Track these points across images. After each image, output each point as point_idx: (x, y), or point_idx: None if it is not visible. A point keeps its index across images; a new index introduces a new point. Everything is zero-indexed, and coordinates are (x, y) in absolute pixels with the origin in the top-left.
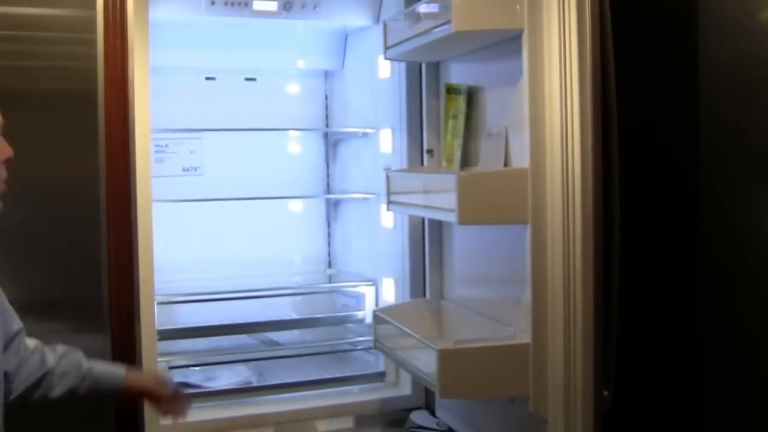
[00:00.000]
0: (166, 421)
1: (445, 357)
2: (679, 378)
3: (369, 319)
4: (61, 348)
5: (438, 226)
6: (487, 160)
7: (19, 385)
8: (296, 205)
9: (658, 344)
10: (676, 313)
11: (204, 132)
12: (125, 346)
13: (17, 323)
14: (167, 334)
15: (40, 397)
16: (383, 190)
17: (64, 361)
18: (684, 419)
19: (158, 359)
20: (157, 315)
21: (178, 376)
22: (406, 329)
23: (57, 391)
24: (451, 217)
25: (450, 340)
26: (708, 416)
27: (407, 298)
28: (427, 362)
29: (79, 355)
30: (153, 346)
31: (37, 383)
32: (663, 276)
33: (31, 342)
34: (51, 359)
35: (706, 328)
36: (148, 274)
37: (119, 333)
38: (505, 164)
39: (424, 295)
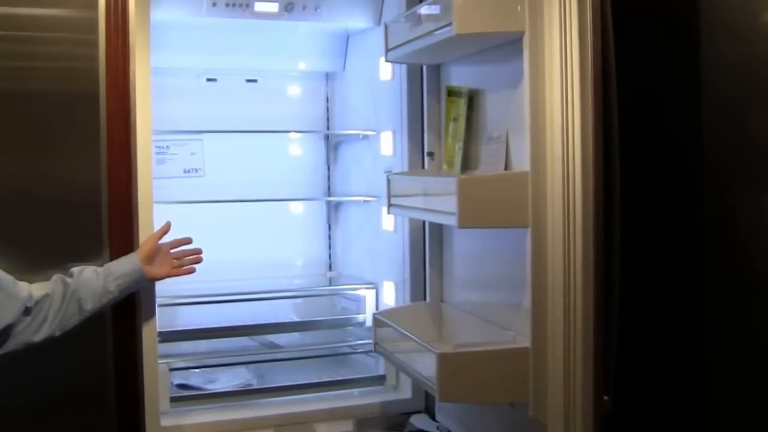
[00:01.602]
0: (166, 422)
1: (444, 361)
2: (682, 384)
3: (369, 323)
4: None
5: (438, 230)
6: (488, 163)
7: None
8: (297, 208)
9: (660, 349)
10: (679, 317)
11: (205, 133)
12: (126, 347)
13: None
14: (168, 336)
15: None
16: (384, 192)
17: (83, 275)
18: (687, 426)
19: (159, 361)
20: (158, 317)
21: (178, 378)
22: (407, 332)
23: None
24: (451, 221)
25: (450, 344)
26: (712, 424)
27: (408, 302)
28: (427, 366)
29: (88, 270)
30: (154, 348)
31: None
32: (665, 280)
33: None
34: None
35: (709, 333)
36: None
37: (120, 335)
38: (506, 167)
39: (425, 298)
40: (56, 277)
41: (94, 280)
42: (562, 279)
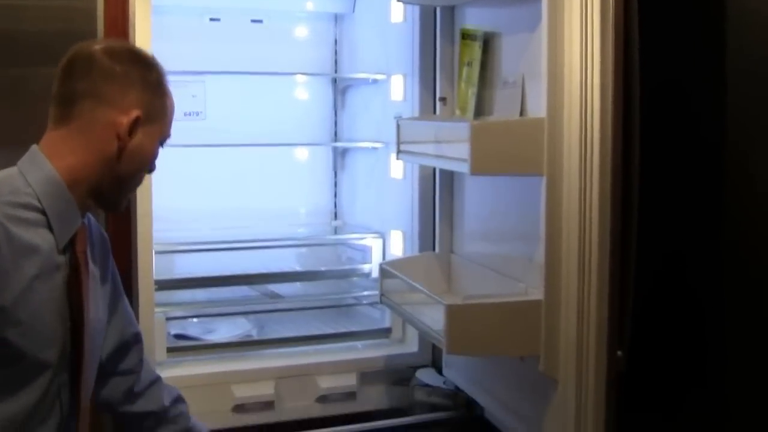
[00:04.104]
0: (163, 372)
1: (453, 313)
2: (698, 340)
3: (375, 274)
4: (174, 390)
5: (449, 178)
6: (503, 109)
7: (133, 407)
8: (302, 154)
9: (675, 304)
10: (696, 272)
11: (207, 75)
12: None
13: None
14: (165, 284)
15: (136, 428)
16: (393, 139)
17: (177, 406)
18: (702, 382)
19: (156, 309)
20: (155, 264)
21: (176, 328)
22: (414, 283)
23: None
24: (463, 167)
25: (459, 296)
26: (725, 382)
27: (416, 252)
28: (434, 318)
29: (186, 407)
30: (150, 296)
31: (146, 416)
32: (683, 234)
33: (150, 365)
34: (167, 398)
35: (727, 288)
36: (146, 222)
37: None
38: (521, 114)
39: (434, 249)
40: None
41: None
42: (577, 230)
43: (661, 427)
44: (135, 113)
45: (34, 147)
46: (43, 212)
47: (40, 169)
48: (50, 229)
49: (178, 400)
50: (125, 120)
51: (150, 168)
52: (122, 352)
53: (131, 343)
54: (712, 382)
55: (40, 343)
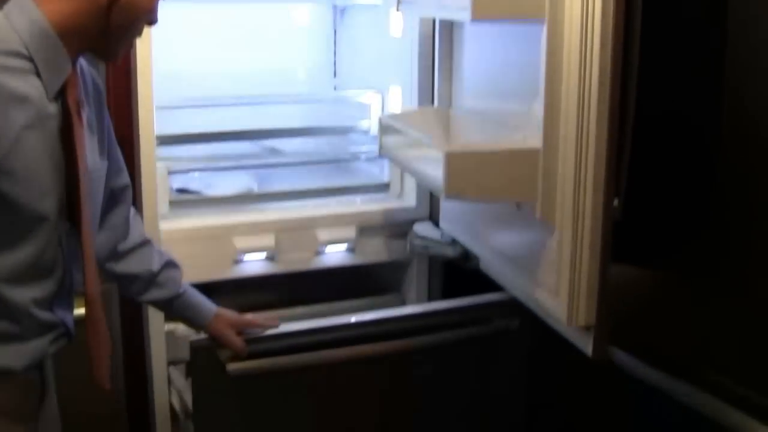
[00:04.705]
0: (165, 225)
1: (452, 159)
2: (695, 192)
3: (374, 130)
4: (165, 255)
5: (449, 32)
6: None
7: (117, 266)
8: (301, 11)
9: (675, 156)
10: (697, 121)
11: None
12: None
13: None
14: (167, 139)
15: (124, 289)
16: None
17: (167, 271)
18: (695, 234)
19: (158, 163)
20: (158, 121)
21: (178, 182)
22: (414, 132)
23: (145, 297)
24: (463, 15)
25: (458, 143)
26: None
27: (415, 108)
28: (433, 166)
29: (179, 273)
30: (152, 150)
31: (133, 278)
32: (685, 84)
33: (140, 226)
34: (156, 262)
35: (728, 139)
36: (146, 76)
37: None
38: None
39: (432, 104)
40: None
41: (168, 289)
42: (578, 77)
43: (653, 278)
44: None
45: None
46: (31, 59)
47: (26, 14)
48: (39, 76)
49: (170, 265)
50: None
51: (150, 20)
52: (110, 203)
53: (118, 194)
54: (710, 233)
55: (36, 193)
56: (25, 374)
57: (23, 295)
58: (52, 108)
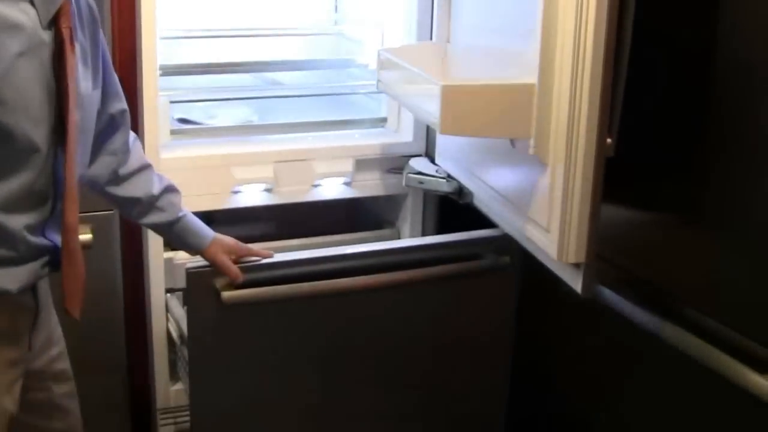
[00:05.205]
0: (165, 154)
1: (448, 93)
2: (687, 137)
3: (373, 65)
4: (165, 179)
5: None
6: None
7: (119, 189)
8: None
9: (668, 95)
10: (692, 62)
11: None
12: (127, 81)
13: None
14: (170, 70)
15: (126, 213)
16: None
17: (167, 196)
18: (686, 176)
19: (159, 93)
20: (160, 51)
21: (179, 112)
22: (410, 66)
23: (146, 220)
24: None
25: (454, 78)
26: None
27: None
28: (430, 100)
29: (178, 197)
30: (154, 80)
31: (134, 202)
32: (680, 23)
33: (140, 150)
34: (157, 186)
35: (722, 83)
36: (149, 8)
37: (119, 68)
38: None
39: (431, 39)
40: (147, 164)
41: (168, 213)
42: (574, 13)
43: (647, 216)
44: None
45: None
46: None
47: None
48: (32, 4)
49: (170, 189)
50: None
51: None
52: (109, 129)
53: (118, 119)
54: (697, 176)
55: (29, 121)
56: (19, 296)
57: (17, 221)
58: (45, 36)
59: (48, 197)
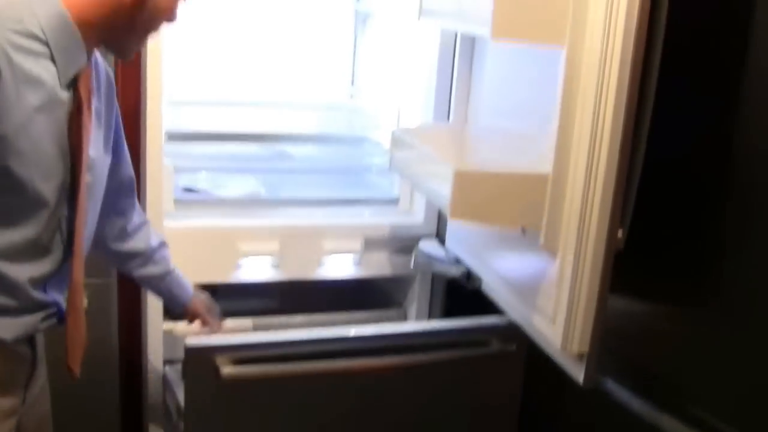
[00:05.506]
0: (170, 223)
1: (461, 178)
2: (699, 232)
3: (387, 143)
4: (158, 233)
5: (470, 47)
6: None
7: (124, 245)
8: (323, 15)
9: (681, 193)
10: (705, 167)
11: None
12: (131, 146)
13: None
14: (176, 136)
15: (123, 266)
16: (416, 6)
17: (162, 250)
18: (695, 274)
19: (164, 160)
20: (168, 117)
21: (184, 181)
22: (425, 149)
23: (142, 271)
24: (485, 31)
25: (468, 164)
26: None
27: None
28: (442, 183)
29: (168, 252)
30: (159, 146)
31: (135, 255)
32: (697, 126)
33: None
34: (154, 240)
35: (734, 188)
36: (156, 70)
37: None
38: None
39: (448, 121)
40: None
41: (161, 267)
42: (593, 107)
43: (651, 310)
44: None
45: None
46: (47, 44)
47: (48, 2)
48: (53, 62)
49: (163, 244)
50: None
51: (170, 18)
52: (119, 193)
53: (127, 184)
54: (706, 277)
55: (41, 174)
56: (15, 346)
57: (20, 272)
58: (64, 95)
59: (52, 252)
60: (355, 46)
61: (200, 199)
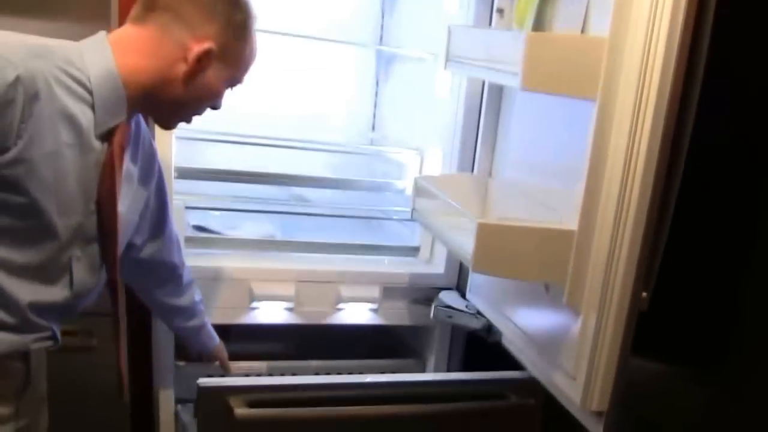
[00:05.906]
0: None
1: (484, 231)
2: (725, 296)
3: (409, 191)
4: (198, 290)
5: (497, 97)
6: (564, 25)
7: (179, 300)
8: (343, 55)
9: (705, 259)
10: (733, 235)
11: None
12: None
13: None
14: (187, 173)
15: (171, 319)
16: (442, 52)
17: (201, 304)
18: (718, 337)
19: (175, 197)
20: (180, 154)
21: (194, 219)
22: (448, 199)
23: (187, 324)
24: (514, 81)
25: (492, 216)
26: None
27: (453, 172)
28: (464, 236)
29: (202, 306)
30: (169, 182)
31: (184, 310)
32: (725, 191)
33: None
34: (197, 293)
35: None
36: None
37: None
38: (582, 31)
39: (472, 171)
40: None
41: (196, 319)
42: (622, 164)
43: (670, 374)
44: (208, 45)
45: (102, 32)
46: (90, 92)
47: (100, 54)
48: (93, 109)
49: (200, 294)
50: (196, 48)
51: (214, 105)
52: (171, 250)
53: (176, 246)
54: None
55: (58, 208)
56: (4, 360)
57: (21, 292)
58: (96, 144)
59: (56, 286)
60: (377, 90)
61: (211, 238)
